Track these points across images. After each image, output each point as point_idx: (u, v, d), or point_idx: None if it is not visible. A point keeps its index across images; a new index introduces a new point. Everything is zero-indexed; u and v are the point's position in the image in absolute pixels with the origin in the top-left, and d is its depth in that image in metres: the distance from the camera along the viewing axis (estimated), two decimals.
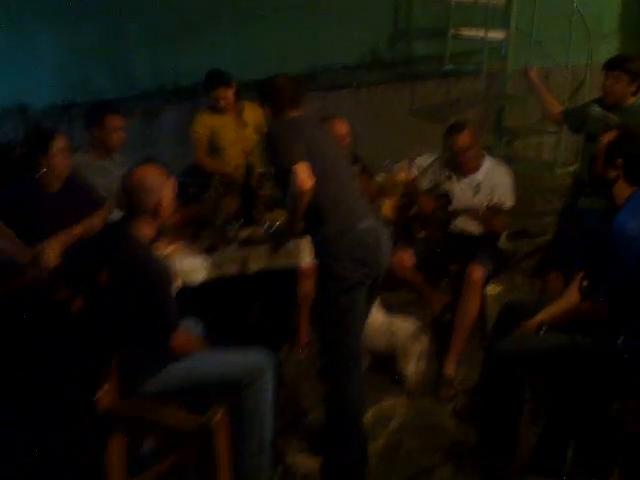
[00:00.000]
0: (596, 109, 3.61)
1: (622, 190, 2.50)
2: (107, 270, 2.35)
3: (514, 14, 4.62)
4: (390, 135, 5.55)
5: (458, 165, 3.86)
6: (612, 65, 3.63)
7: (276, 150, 2.76)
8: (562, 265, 3.84)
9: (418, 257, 3.86)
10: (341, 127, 4.02)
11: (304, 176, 2.61)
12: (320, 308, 2.83)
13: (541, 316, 2.69)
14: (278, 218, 3.26)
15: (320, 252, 2.80)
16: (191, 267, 3.04)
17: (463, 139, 3.75)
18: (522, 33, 4.62)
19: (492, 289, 4.26)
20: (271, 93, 2.89)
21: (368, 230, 2.74)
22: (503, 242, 4.12)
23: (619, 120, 3.52)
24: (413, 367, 3.50)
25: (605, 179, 2.54)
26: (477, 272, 3.61)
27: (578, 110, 4.00)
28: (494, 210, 3.66)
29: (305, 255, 3.35)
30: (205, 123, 4.22)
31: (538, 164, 4.96)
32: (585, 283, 2.70)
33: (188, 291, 2.96)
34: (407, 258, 3.84)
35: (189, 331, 2.55)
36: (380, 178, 4.97)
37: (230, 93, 4.13)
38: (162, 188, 2.36)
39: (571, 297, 2.73)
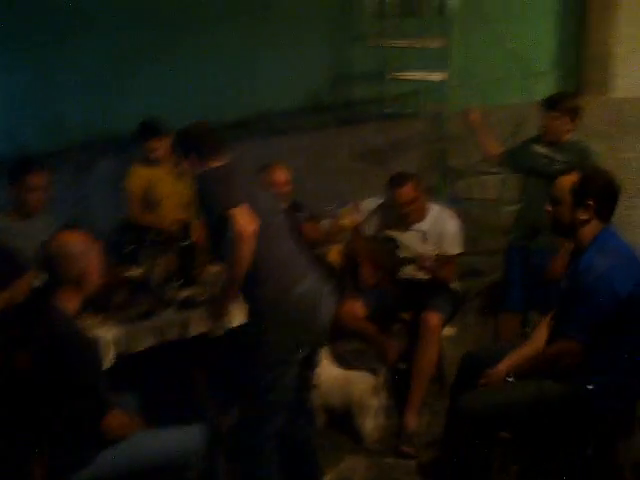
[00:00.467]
0: (540, 149, 3.58)
1: (591, 229, 2.44)
2: (29, 348, 2.10)
3: (452, 56, 4.60)
4: (332, 180, 5.44)
5: (402, 217, 3.74)
6: (551, 104, 3.61)
7: (209, 195, 2.49)
8: (514, 306, 3.76)
9: (369, 306, 3.71)
10: (281, 174, 3.88)
11: (245, 220, 2.33)
12: (243, 380, 2.53)
13: (505, 365, 2.55)
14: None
15: (250, 320, 2.58)
16: (125, 335, 2.79)
17: (406, 193, 3.64)
18: (460, 74, 4.59)
19: (446, 331, 4.15)
20: (195, 140, 2.69)
21: (306, 294, 2.52)
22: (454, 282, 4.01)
23: (564, 159, 3.49)
24: (372, 423, 3.32)
25: (573, 221, 2.47)
26: (434, 319, 3.48)
27: (518, 149, 3.96)
28: (443, 260, 3.55)
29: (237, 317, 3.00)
30: (139, 176, 4.01)
31: (483, 203, 4.90)
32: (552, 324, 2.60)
33: (123, 362, 2.71)
34: (357, 308, 3.69)
35: (124, 409, 2.31)
36: (326, 223, 4.85)
37: (164, 144, 3.93)
38: (87, 255, 2.14)
39: (537, 342, 2.61)
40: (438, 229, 3.74)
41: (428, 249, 3.71)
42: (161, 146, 3.92)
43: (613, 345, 2.31)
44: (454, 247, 3.69)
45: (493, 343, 3.90)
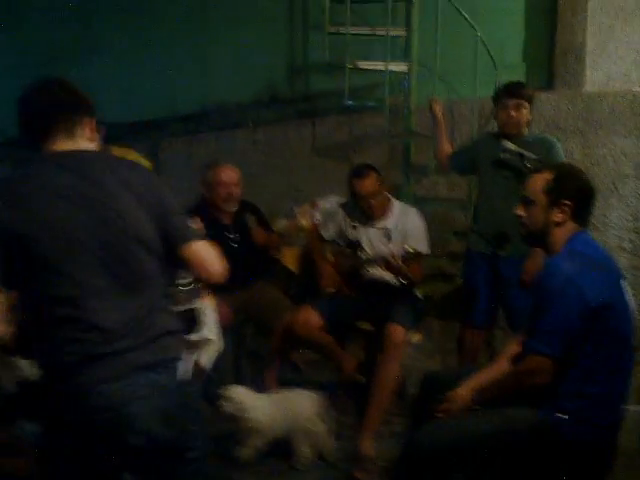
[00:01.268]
0: (508, 145, 3.28)
1: (564, 233, 2.20)
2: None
3: (415, 45, 4.31)
4: (292, 177, 5.15)
5: (364, 212, 3.47)
6: (512, 92, 3.33)
7: None
8: (478, 322, 3.46)
9: (325, 315, 3.43)
10: (229, 174, 3.57)
11: None
12: None
13: (468, 388, 2.28)
14: None
15: None
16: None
17: (367, 185, 3.38)
18: (425, 65, 4.30)
19: (410, 337, 3.91)
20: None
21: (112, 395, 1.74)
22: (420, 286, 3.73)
23: (535, 156, 3.22)
24: (308, 447, 3.02)
25: (546, 224, 2.22)
26: (398, 333, 3.21)
27: (467, 150, 3.68)
28: (408, 259, 3.27)
29: None
30: None
31: (450, 203, 4.63)
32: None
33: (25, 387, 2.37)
34: (312, 319, 3.41)
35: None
36: (281, 225, 4.54)
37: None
38: None
39: (503, 362, 2.34)
40: (402, 227, 3.50)
41: (392, 250, 3.44)
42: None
43: (586, 363, 2.05)
44: (420, 246, 3.42)
45: (457, 360, 3.63)
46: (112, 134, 5.11)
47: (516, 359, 2.30)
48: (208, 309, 2.88)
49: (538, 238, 2.26)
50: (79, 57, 5.20)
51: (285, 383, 3.79)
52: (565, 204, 2.19)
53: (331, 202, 4.62)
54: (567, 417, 2.03)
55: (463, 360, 3.55)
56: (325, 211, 4.39)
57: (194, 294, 2.88)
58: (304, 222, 4.50)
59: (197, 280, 2.24)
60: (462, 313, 3.64)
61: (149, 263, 1.81)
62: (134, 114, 5.23)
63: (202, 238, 1.93)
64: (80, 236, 1.71)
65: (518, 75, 4.73)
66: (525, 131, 3.35)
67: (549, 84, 4.95)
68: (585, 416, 2.02)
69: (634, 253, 4.62)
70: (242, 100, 5.22)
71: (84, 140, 1.85)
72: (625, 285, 2.13)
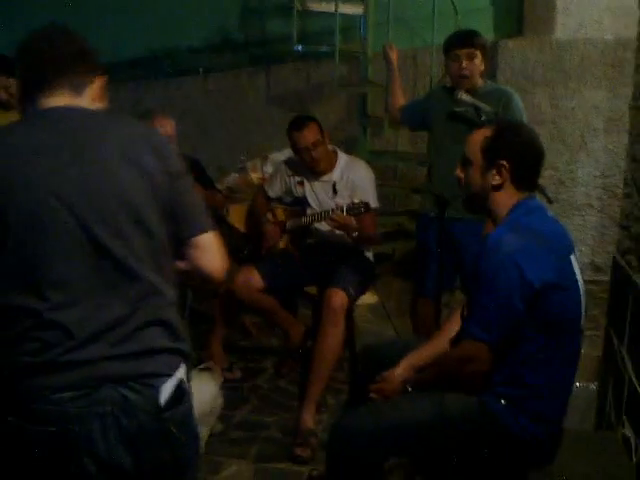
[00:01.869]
0: (463, 96, 3.01)
1: (505, 199, 1.94)
2: None
3: None
4: (245, 127, 4.87)
5: (307, 165, 3.23)
6: (465, 41, 3.04)
7: None
8: (431, 292, 3.19)
9: (268, 277, 3.20)
10: (164, 127, 3.27)
11: None
12: None
13: (403, 368, 2.07)
14: None
15: None
16: None
17: (307, 136, 3.15)
18: (383, 9, 3.98)
19: (366, 298, 3.72)
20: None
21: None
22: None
23: (490, 109, 2.95)
24: (205, 430, 2.72)
25: (484, 188, 1.96)
26: (336, 298, 2.99)
27: (419, 102, 3.41)
28: (357, 213, 3.03)
29: None
30: None
31: (411, 158, 4.38)
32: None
33: None
34: (254, 280, 3.18)
35: None
36: (231, 179, 4.28)
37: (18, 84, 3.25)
38: None
39: (442, 338, 2.13)
40: (349, 179, 3.27)
41: (340, 203, 3.20)
42: (10, 85, 3.23)
43: (526, 349, 1.82)
44: (369, 199, 3.19)
45: (412, 329, 3.42)
46: None
47: (456, 337, 2.09)
48: None
49: (478, 204, 2.01)
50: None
51: (234, 348, 3.61)
52: (501, 165, 1.92)
53: (286, 155, 4.37)
54: (505, 403, 1.82)
55: (416, 329, 3.34)
56: (276, 163, 4.14)
57: None
58: (254, 177, 4.25)
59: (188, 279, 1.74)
60: (413, 280, 3.41)
61: (145, 254, 1.44)
62: None
63: (214, 228, 1.58)
64: (55, 208, 1.36)
65: (484, 21, 4.45)
66: (479, 82, 3.07)
67: (517, 30, 4.67)
68: (524, 406, 1.82)
69: (602, 211, 4.43)
70: (193, 45, 4.89)
71: (90, 100, 1.51)
72: (575, 261, 1.90)
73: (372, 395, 2.06)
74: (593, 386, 2.49)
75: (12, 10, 4.66)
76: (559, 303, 1.80)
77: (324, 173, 3.28)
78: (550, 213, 1.99)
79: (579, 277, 1.88)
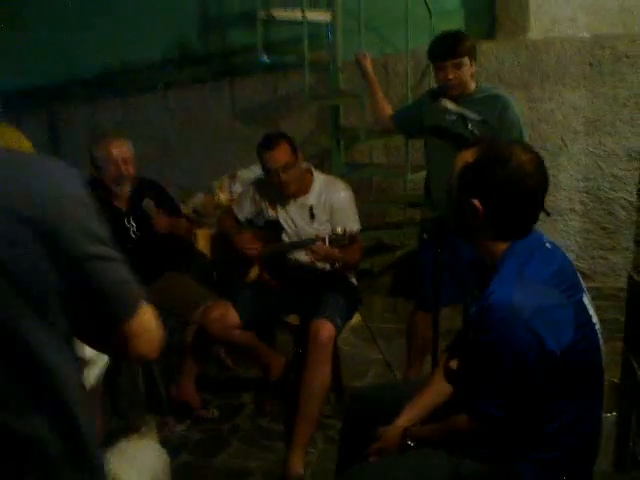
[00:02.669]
0: (448, 104, 2.79)
1: (489, 245, 1.63)
2: None
3: None
4: (210, 145, 4.61)
5: (280, 188, 2.98)
6: (450, 50, 2.82)
7: None
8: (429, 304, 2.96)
9: (244, 310, 2.95)
10: (120, 150, 3.02)
11: None
12: None
13: (404, 420, 1.84)
14: None
15: None
16: None
17: (276, 157, 2.90)
18: (351, 14, 3.76)
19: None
20: None
21: None
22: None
23: (479, 117, 2.74)
24: None
25: (462, 224, 1.67)
26: (324, 331, 2.75)
27: (411, 109, 3.20)
28: (340, 242, 2.80)
29: None
30: None
31: (386, 170, 4.17)
32: (452, 367, 1.88)
33: None
34: (229, 316, 2.92)
35: None
36: (197, 200, 4.02)
37: None
38: None
39: (437, 387, 1.90)
40: (327, 202, 3.03)
41: (319, 228, 2.98)
42: None
43: (550, 412, 1.57)
44: (350, 222, 2.97)
45: (407, 347, 3.19)
46: (1, 103, 4.52)
47: (450, 375, 1.86)
48: None
49: (468, 236, 1.68)
50: None
51: (209, 383, 3.34)
52: (473, 204, 1.56)
53: (254, 172, 4.12)
54: (527, 466, 1.58)
55: (413, 348, 3.11)
56: (245, 181, 3.89)
57: None
58: (222, 197, 4.00)
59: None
60: (413, 294, 3.19)
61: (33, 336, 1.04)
62: (25, 79, 4.58)
63: (143, 295, 1.20)
64: None
65: (456, 23, 4.26)
66: (472, 86, 2.85)
67: (490, 32, 4.50)
68: (550, 465, 1.59)
69: (586, 215, 4.27)
70: (151, 60, 4.62)
71: None
72: (588, 301, 1.61)
73: (370, 457, 1.82)
74: (610, 416, 2.26)
75: None
76: (581, 361, 1.55)
77: (299, 195, 3.05)
78: (547, 240, 1.66)
79: (594, 318, 1.61)
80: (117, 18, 4.56)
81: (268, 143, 2.92)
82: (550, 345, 1.48)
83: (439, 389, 1.88)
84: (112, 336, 1.15)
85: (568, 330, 1.51)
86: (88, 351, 2.23)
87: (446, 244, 2.28)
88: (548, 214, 2.52)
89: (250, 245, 3.11)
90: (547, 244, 1.65)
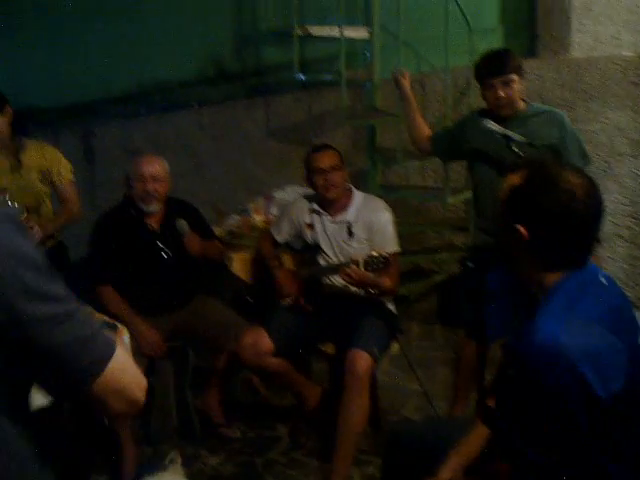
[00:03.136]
0: (491, 125, 2.68)
1: (536, 275, 1.51)
2: None
3: (377, 7, 3.68)
4: (243, 163, 4.54)
5: (319, 193, 2.92)
6: (497, 69, 2.71)
7: None
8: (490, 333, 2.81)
9: (278, 337, 2.85)
10: (152, 168, 2.95)
11: None
12: None
13: (448, 472, 1.71)
14: None
15: None
16: None
17: (324, 158, 2.91)
18: (389, 31, 3.68)
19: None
20: None
21: None
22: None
23: (523, 139, 2.62)
24: None
25: (509, 251, 1.56)
26: (361, 362, 2.64)
27: (452, 131, 3.09)
28: (375, 266, 2.69)
29: None
30: None
31: (424, 192, 4.06)
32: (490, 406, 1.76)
33: None
34: (262, 343, 2.82)
35: None
36: (232, 222, 3.94)
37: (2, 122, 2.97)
38: None
39: (482, 429, 1.78)
40: (366, 220, 2.94)
41: (357, 247, 2.89)
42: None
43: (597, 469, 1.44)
44: (388, 243, 2.88)
45: (455, 377, 3.05)
46: (39, 120, 4.52)
47: (487, 415, 1.74)
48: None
49: (514, 264, 1.56)
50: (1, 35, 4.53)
51: (242, 412, 3.25)
52: (517, 230, 1.47)
53: (289, 193, 4.04)
54: None
55: (461, 381, 2.97)
56: (282, 203, 3.81)
57: None
58: (258, 219, 3.92)
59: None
60: (457, 322, 3.07)
61: None
62: (63, 97, 4.59)
63: (114, 348, 1.06)
64: None
65: (495, 41, 4.16)
66: (521, 106, 2.74)
67: (531, 50, 4.39)
68: None
69: (632, 241, 4.10)
70: (185, 77, 4.59)
71: None
72: None
73: None
74: None
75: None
76: (633, 414, 1.42)
77: (338, 212, 2.96)
78: (602, 275, 1.54)
79: None
80: (152, 36, 4.55)
81: (318, 147, 3.00)
82: (598, 391, 1.35)
83: (484, 433, 1.76)
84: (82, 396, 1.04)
85: (619, 377, 1.38)
86: None
87: (496, 272, 2.16)
88: (599, 242, 2.41)
89: (289, 290, 3.02)
90: (602, 279, 1.53)
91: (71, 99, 4.67)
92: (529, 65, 4.19)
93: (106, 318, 2.45)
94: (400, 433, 2.11)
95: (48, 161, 3.13)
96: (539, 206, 1.45)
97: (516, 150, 2.58)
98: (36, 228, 2.88)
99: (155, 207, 2.98)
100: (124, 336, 2.32)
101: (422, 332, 4.16)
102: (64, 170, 3.18)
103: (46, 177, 3.12)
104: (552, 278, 1.49)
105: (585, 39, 4.27)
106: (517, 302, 1.81)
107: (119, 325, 2.37)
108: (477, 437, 1.77)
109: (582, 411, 1.37)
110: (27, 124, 3.86)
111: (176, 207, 3.08)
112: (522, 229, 1.47)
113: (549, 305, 1.45)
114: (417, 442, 1.92)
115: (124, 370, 1.06)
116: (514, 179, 1.52)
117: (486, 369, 2.94)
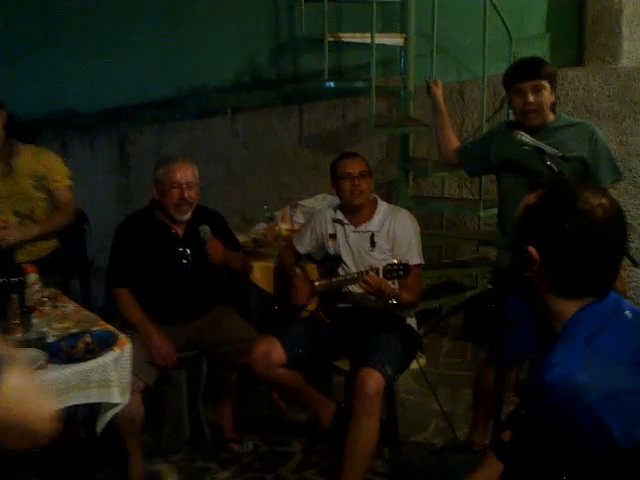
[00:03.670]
0: (523, 137, 2.53)
1: (552, 303, 1.38)
2: None
3: (412, 13, 3.56)
4: (276, 170, 4.47)
5: (351, 196, 2.83)
6: (528, 72, 2.56)
7: None
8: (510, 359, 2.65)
9: (292, 349, 2.75)
10: (184, 174, 2.89)
11: None
12: None
13: None
14: None
15: None
16: None
17: (352, 164, 2.85)
18: (425, 37, 3.55)
19: (413, 363, 3.22)
20: None
21: None
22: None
23: (557, 151, 2.46)
24: None
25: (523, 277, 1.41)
26: (371, 381, 2.51)
27: (479, 143, 2.94)
28: (395, 274, 2.57)
29: None
30: None
31: (457, 204, 3.91)
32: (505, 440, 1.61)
33: None
34: (275, 354, 2.72)
35: None
36: (258, 230, 3.87)
37: None
38: None
39: (493, 461, 1.63)
40: (390, 230, 2.85)
41: (379, 258, 2.79)
42: None
43: None
44: (412, 255, 2.78)
45: (472, 403, 2.89)
46: (74, 124, 4.55)
47: (500, 449, 1.59)
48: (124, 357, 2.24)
49: (526, 289, 1.43)
50: (40, 40, 4.57)
51: (258, 423, 3.15)
52: (530, 252, 1.35)
53: (319, 202, 3.95)
54: None
55: (480, 407, 2.81)
56: (308, 212, 3.72)
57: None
58: (283, 227, 3.83)
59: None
60: (483, 343, 2.91)
61: None
62: (99, 101, 4.60)
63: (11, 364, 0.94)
64: None
65: (540, 49, 3.99)
66: (550, 117, 2.59)
67: (578, 59, 4.20)
68: None
69: None
70: (220, 84, 4.54)
71: None
72: None
73: None
74: None
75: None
76: None
77: (362, 222, 2.86)
78: (627, 307, 1.38)
79: None
80: (190, 42, 4.52)
81: (345, 154, 2.98)
82: (618, 438, 1.20)
83: (497, 468, 1.61)
84: None
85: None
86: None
87: (517, 297, 2.01)
88: (636, 264, 2.22)
89: (305, 301, 2.93)
90: (627, 312, 1.38)
91: (110, 104, 4.68)
92: (575, 74, 4.03)
93: (110, 327, 2.39)
94: (406, 467, 1.97)
95: (43, 167, 3.09)
96: (552, 227, 1.33)
97: (549, 164, 2.43)
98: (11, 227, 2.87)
99: (188, 215, 2.92)
100: (126, 346, 2.24)
101: (452, 348, 3.99)
102: (60, 176, 3.14)
103: (40, 183, 3.08)
104: (569, 308, 1.35)
105: (635, 48, 4.08)
106: (535, 332, 1.66)
107: (121, 335, 2.30)
108: (489, 472, 1.62)
109: (601, 458, 1.23)
110: (34, 134, 3.84)
111: (203, 215, 3.01)
112: (533, 251, 1.34)
113: (566, 339, 1.32)
114: (424, 477, 1.79)
115: (17, 399, 0.92)
116: (531, 197, 1.41)
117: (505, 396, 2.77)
